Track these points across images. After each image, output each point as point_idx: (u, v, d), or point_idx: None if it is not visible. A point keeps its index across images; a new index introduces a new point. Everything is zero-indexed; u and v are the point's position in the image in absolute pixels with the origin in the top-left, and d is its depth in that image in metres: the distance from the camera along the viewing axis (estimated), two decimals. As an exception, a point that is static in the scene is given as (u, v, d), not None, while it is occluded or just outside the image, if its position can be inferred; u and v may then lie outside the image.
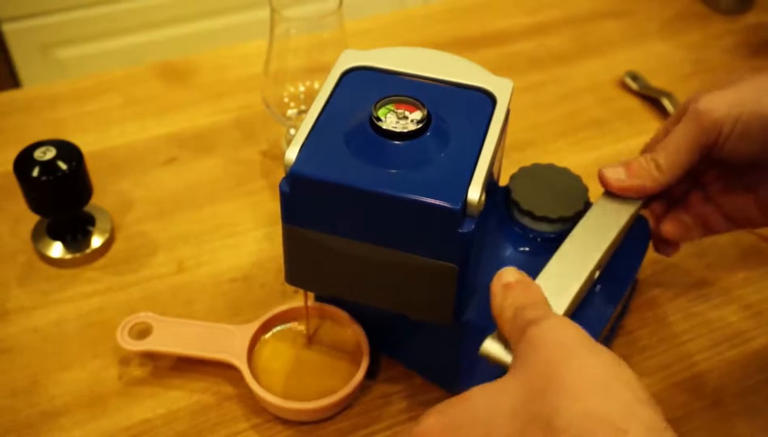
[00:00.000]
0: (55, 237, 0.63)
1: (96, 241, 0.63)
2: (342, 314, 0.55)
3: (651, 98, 0.81)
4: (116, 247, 0.64)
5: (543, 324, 0.36)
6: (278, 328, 0.56)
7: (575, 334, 0.36)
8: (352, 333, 0.55)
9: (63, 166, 0.57)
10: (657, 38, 0.91)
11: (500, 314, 0.40)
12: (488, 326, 0.44)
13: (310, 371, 0.54)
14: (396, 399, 0.54)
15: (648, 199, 0.51)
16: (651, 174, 0.49)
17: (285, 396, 0.51)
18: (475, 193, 0.41)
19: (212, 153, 0.74)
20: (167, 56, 0.86)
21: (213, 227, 0.66)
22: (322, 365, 0.54)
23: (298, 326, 0.56)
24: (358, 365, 0.52)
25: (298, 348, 0.55)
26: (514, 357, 0.37)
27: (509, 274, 0.41)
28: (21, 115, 0.77)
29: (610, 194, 0.51)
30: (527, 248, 0.54)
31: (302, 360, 0.55)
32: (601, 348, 0.35)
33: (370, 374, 0.54)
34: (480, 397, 0.36)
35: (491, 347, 0.41)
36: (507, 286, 0.40)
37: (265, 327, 0.55)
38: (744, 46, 0.90)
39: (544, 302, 0.40)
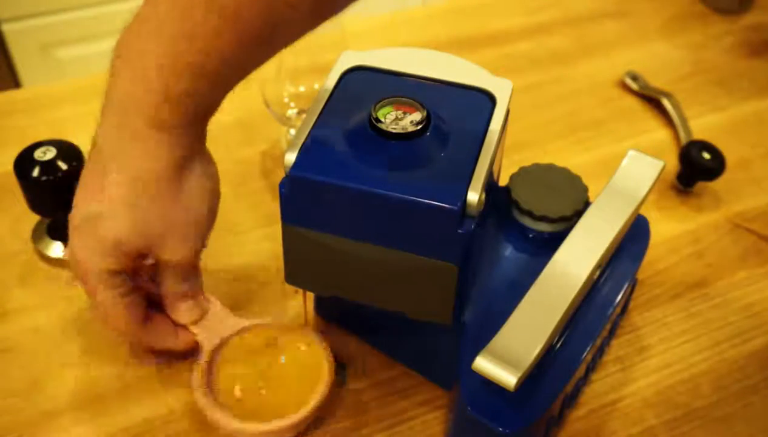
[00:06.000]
0: (55, 237, 0.63)
1: (96, 241, 0.63)
2: (308, 331, 0.53)
3: (651, 98, 0.81)
4: (116, 247, 0.64)
5: None
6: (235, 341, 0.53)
7: None
8: (318, 350, 0.52)
9: (63, 166, 0.57)
10: (657, 38, 0.91)
11: None
12: (488, 326, 0.44)
13: (276, 387, 0.51)
14: (396, 399, 0.54)
15: None
16: None
17: (249, 414, 0.49)
18: (474, 193, 0.41)
19: (212, 153, 0.73)
20: (167, 56, 0.85)
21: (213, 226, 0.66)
22: (288, 380, 0.52)
23: (255, 339, 0.53)
24: (324, 379, 0.50)
25: (263, 362, 0.52)
26: None
27: None
28: (21, 115, 0.77)
29: (610, 193, 0.51)
30: (527, 248, 0.54)
31: (267, 376, 0.52)
32: None
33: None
34: None
35: (483, 364, 0.40)
36: None
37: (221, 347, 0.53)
38: (744, 46, 0.90)
39: None
